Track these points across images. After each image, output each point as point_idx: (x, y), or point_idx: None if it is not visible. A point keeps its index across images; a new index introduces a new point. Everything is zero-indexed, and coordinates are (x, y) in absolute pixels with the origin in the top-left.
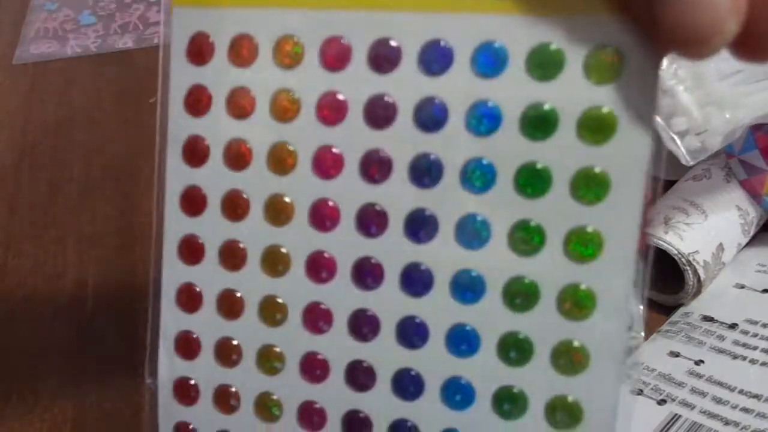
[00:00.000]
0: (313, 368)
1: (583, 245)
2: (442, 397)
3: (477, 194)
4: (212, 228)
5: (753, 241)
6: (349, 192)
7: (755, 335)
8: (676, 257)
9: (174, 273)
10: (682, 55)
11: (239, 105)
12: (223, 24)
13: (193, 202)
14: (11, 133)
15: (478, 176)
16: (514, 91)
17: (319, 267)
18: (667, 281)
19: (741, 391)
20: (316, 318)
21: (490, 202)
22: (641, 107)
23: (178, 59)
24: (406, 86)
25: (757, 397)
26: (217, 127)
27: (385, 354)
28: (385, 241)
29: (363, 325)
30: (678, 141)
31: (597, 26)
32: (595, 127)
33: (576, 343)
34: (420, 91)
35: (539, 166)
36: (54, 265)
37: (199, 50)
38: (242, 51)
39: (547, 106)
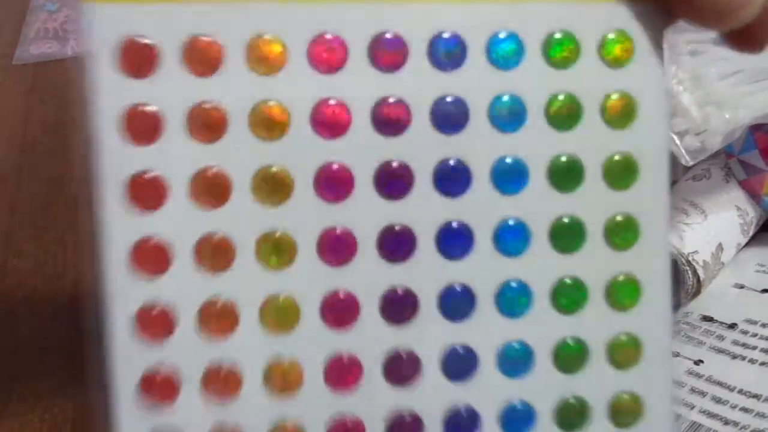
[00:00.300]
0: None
1: (622, 232)
2: (502, 427)
3: (511, 195)
4: (185, 286)
5: (752, 241)
6: (364, 213)
7: (754, 335)
8: (675, 257)
9: (134, 359)
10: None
11: (205, 124)
12: (169, 23)
13: (151, 257)
14: (11, 133)
15: (511, 176)
16: (534, 81)
17: (338, 309)
18: None
19: (740, 391)
20: (343, 373)
21: (526, 202)
22: (655, 86)
23: (106, 73)
24: (418, 84)
25: (756, 396)
26: (177, 155)
27: (433, 395)
28: (415, 264)
29: (402, 369)
30: (678, 141)
31: (606, 11)
32: (619, 111)
33: (623, 337)
34: (435, 88)
35: (571, 156)
36: (54, 265)
37: (137, 59)
38: (202, 56)
39: (569, 94)
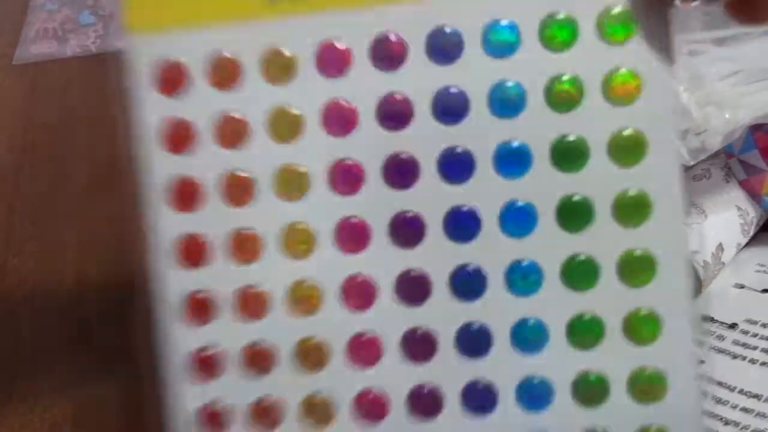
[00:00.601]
0: (370, 408)
1: (632, 209)
2: (519, 401)
3: (515, 179)
4: (222, 277)
5: (753, 241)
6: (376, 204)
7: (755, 335)
8: None
9: (184, 340)
10: None
11: (231, 133)
12: (195, 46)
13: (194, 253)
14: (11, 133)
15: (513, 160)
16: (533, 66)
17: (357, 293)
18: None
19: (741, 391)
20: (364, 351)
21: (530, 184)
22: (660, 61)
23: (145, 92)
24: (418, 80)
25: (757, 397)
26: (209, 162)
27: (449, 371)
28: (426, 248)
29: (418, 346)
30: (678, 141)
31: None
32: (622, 88)
33: (644, 311)
34: (434, 82)
35: (573, 137)
36: (54, 264)
37: (171, 79)
38: (224, 73)
39: (569, 75)
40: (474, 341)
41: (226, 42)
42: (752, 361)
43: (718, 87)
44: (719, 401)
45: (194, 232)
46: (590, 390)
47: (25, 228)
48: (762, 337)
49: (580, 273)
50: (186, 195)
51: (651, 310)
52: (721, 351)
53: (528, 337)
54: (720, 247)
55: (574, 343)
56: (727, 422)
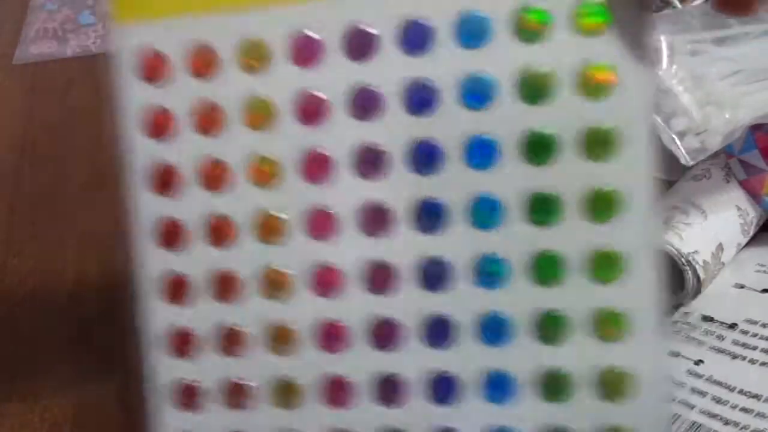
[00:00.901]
0: (337, 392)
1: (602, 204)
2: (483, 394)
3: (483, 171)
4: (198, 260)
5: (752, 241)
6: (345, 194)
7: (755, 335)
8: (675, 257)
9: (162, 317)
10: None
11: (207, 120)
12: (175, 36)
13: (171, 235)
14: (11, 133)
15: (482, 152)
16: (504, 57)
17: (325, 280)
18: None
19: (741, 391)
20: (331, 335)
21: (498, 177)
22: (637, 53)
23: (127, 79)
24: (389, 71)
25: (756, 397)
26: (186, 149)
27: (414, 363)
28: (394, 239)
29: (386, 335)
30: (678, 141)
31: None
32: (595, 81)
33: (615, 309)
34: (404, 73)
35: (543, 130)
36: (54, 264)
37: (152, 67)
38: (202, 61)
39: (542, 68)
40: (439, 333)
41: (204, 31)
42: (752, 361)
43: (718, 87)
44: (719, 401)
45: (172, 215)
46: (555, 386)
47: (25, 228)
48: (762, 337)
49: (547, 268)
50: (164, 180)
51: (619, 308)
52: (721, 351)
53: (493, 331)
54: (720, 247)
55: (540, 339)
56: (726, 422)
